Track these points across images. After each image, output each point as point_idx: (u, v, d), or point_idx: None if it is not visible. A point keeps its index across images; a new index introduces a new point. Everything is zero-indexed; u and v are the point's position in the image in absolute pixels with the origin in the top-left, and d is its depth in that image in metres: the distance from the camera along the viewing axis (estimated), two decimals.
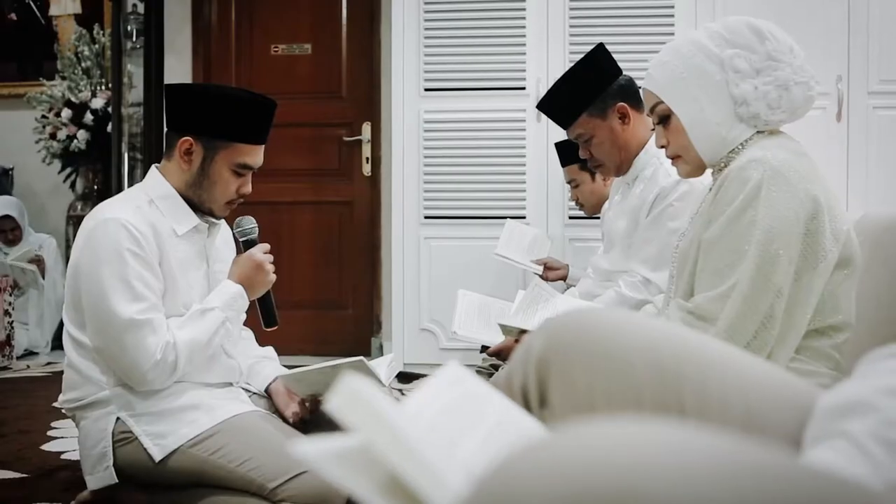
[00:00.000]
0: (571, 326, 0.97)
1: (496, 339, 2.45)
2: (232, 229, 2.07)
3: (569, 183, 3.20)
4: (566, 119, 2.51)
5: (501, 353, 2.34)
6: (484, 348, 2.57)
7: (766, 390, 0.93)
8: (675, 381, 0.91)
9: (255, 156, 1.95)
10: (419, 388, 0.76)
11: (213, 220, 2.00)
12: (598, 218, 3.05)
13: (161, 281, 1.86)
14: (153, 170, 1.98)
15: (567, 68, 2.75)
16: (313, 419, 1.96)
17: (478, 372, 2.58)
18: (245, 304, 1.96)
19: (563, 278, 3.09)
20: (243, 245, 2.02)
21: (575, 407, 0.93)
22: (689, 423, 0.91)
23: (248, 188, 1.97)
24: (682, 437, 0.56)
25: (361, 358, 1.89)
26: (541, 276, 3.05)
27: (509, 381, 1.01)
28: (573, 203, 3.28)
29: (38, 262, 4.73)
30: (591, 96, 2.44)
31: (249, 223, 2.03)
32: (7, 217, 4.75)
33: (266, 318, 2.03)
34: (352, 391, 0.63)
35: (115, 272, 1.79)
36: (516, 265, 3.20)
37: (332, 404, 0.63)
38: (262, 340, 2.19)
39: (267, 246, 2.01)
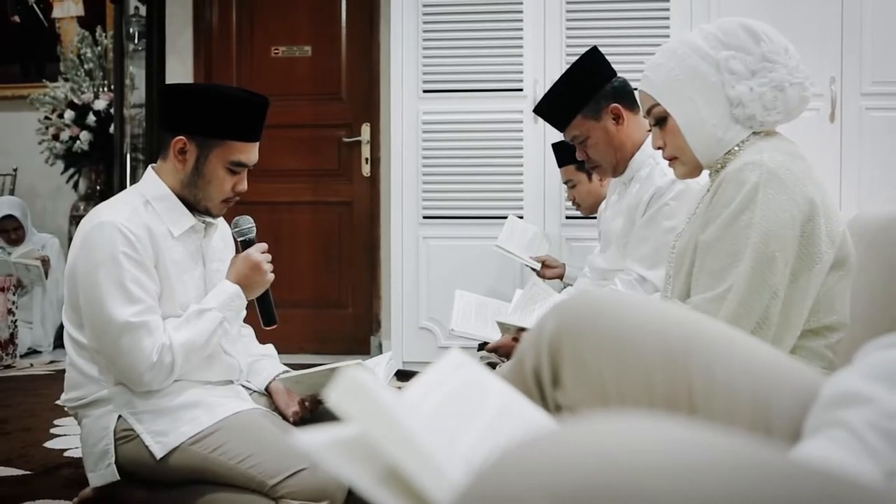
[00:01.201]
0: (583, 308, 0.98)
1: (494, 337, 2.47)
2: (231, 229, 2.06)
3: (566, 183, 3.21)
4: (561, 121, 2.52)
5: (500, 350, 2.36)
6: (481, 347, 2.59)
7: (771, 374, 0.94)
8: (684, 364, 0.92)
9: (249, 153, 1.93)
10: (422, 375, 0.75)
11: (210, 219, 1.99)
12: (595, 218, 3.07)
13: (157, 283, 1.85)
14: (149, 170, 1.97)
15: (564, 70, 2.77)
16: (313, 419, 1.96)
17: None
18: (243, 303, 1.95)
19: (560, 277, 3.11)
20: (241, 245, 2.01)
21: (587, 388, 0.94)
22: (698, 409, 0.91)
23: (244, 186, 1.96)
24: (684, 436, 0.56)
25: (360, 362, 1.89)
26: (538, 274, 3.07)
27: (520, 362, 1.00)
28: (570, 203, 3.30)
29: (43, 260, 4.74)
30: (584, 98, 2.45)
31: (247, 223, 2.02)
32: (10, 217, 4.76)
33: (265, 318, 2.02)
34: (351, 382, 0.63)
35: (111, 275, 1.79)
36: (515, 259, 3.21)
37: (332, 395, 0.63)
38: (262, 338, 2.19)
39: (264, 245, 1.99)
